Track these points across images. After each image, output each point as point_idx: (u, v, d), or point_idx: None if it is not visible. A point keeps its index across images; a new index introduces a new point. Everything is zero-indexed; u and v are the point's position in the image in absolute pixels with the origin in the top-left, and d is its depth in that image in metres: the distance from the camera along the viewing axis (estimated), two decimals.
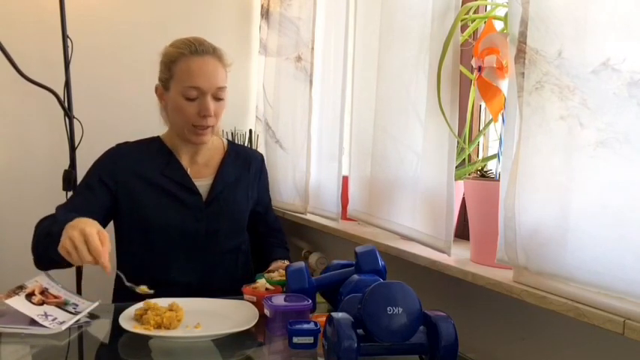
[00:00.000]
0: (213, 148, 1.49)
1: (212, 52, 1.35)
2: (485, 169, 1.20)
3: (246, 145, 2.31)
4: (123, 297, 1.25)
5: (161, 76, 1.38)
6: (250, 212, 1.51)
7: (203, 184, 1.43)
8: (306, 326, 0.98)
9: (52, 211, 2.08)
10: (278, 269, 1.29)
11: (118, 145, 1.45)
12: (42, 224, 1.29)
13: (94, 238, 1.06)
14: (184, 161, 1.44)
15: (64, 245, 1.06)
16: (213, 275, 1.37)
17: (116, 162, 1.40)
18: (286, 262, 1.37)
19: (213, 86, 1.32)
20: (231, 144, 1.56)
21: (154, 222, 1.36)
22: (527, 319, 1.02)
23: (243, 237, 1.48)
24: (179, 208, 1.38)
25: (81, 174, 1.88)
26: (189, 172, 1.43)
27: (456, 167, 1.16)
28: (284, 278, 1.20)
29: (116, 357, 1.02)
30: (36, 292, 1.15)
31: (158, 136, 1.48)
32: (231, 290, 1.26)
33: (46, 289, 1.19)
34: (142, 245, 1.38)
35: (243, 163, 1.51)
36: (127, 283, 1.16)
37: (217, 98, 1.35)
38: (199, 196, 1.41)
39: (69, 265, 1.14)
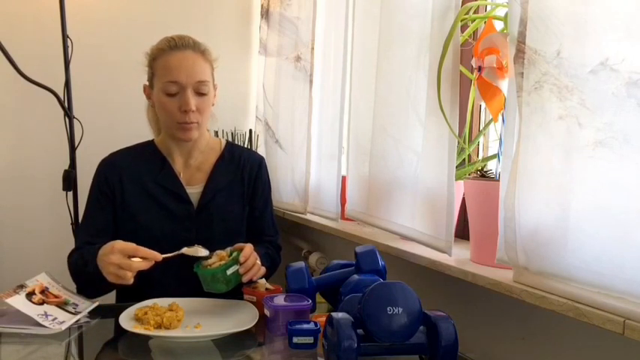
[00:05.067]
0: (208, 150, 1.45)
1: (192, 46, 1.32)
2: (485, 169, 1.20)
3: (246, 145, 2.31)
4: (126, 297, 1.25)
5: (148, 75, 1.38)
6: (247, 217, 1.47)
7: (195, 191, 1.40)
8: (306, 326, 0.98)
9: (52, 211, 2.11)
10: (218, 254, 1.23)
11: (111, 155, 1.44)
12: (73, 262, 1.31)
13: (129, 246, 1.12)
14: (177, 165, 1.42)
15: (110, 272, 1.12)
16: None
17: (109, 171, 1.39)
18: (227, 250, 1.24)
19: (192, 80, 1.29)
20: (230, 145, 1.51)
21: (144, 230, 1.35)
22: (527, 319, 1.02)
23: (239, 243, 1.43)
24: (169, 217, 1.37)
25: (81, 174, 1.90)
26: (181, 177, 1.40)
27: (456, 167, 1.16)
28: (222, 262, 1.18)
29: (116, 357, 1.02)
30: (36, 291, 1.15)
31: (152, 140, 1.46)
32: (230, 293, 1.26)
33: (47, 288, 1.19)
34: None
35: (237, 167, 1.46)
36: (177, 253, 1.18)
37: (199, 93, 1.31)
38: (190, 205, 1.39)
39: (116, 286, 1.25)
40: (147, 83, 1.38)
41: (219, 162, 1.45)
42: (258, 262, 1.22)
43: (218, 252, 1.22)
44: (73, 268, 1.29)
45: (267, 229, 1.49)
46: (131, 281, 1.11)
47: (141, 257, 1.12)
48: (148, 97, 1.39)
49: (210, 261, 1.20)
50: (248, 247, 1.20)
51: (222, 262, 1.18)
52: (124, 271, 1.10)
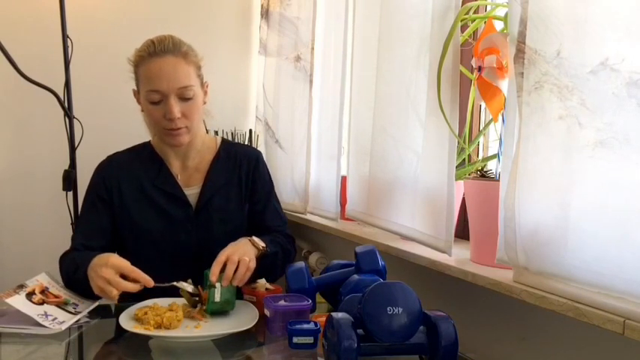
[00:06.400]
0: (203, 150, 1.44)
1: (172, 50, 1.27)
2: (485, 169, 1.20)
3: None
4: (126, 297, 1.24)
5: (134, 80, 1.36)
6: (249, 213, 1.46)
7: (193, 192, 1.40)
8: (306, 326, 0.98)
9: (52, 211, 2.10)
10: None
11: (109, 158, 1.43)
12: (65, 262, 1.29)
13: (124, 265, 1.12)
14: (175, 167, 1.41)
15: (97, 285, 1.11)
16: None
17: (107, 174, 1.39)
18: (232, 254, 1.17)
19: (173, 87, 1.26)
20: (225, 143, 1.50)
21: (144, 234, 1.35)
22: (527, 319, 1.02)
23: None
24: (168, 220, 1.37)
25: (81, 174, 1.89)
26: (179, 179, 1.40)
27: (456, 167, 1.16)
28: (205, 296, 1.12)
29: (116, 357, 1.02)
30: (36, 292, 1.15)
31: (149, 142, 1.46)
32: None
33: (47, 288, 1.19)
34: (136, 256, 1.35)
35: (234, 164, 1.45)
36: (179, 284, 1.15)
37: (184, 98, 1.28)
38: (189, 207, 1.38)
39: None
40: (135, 88, 1.36)
41: (215, 161, 1.44)
42: (240, 261, 1.16)
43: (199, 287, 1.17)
44: (64, 270, 1.28)
45: (271, 221, 1.46)
46: (115, 299, 1.10)
47: (133, 279, 1.11)
48: (138, 102, 1.37)
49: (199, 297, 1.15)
50: (216, 265, 1.15)
51: (204, 295, 1.13)
52: (111, 287, 1.09)
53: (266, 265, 1.28)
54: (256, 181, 1.46)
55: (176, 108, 1.27)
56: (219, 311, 1.13)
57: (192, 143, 1.39)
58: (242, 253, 1.19)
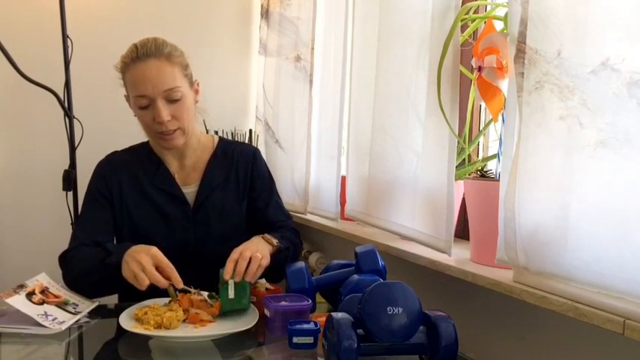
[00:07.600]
0: (200, 149, 1.44)
1: (155, 53, 1.27)
2: (485, 169, 1.20)
3: None
4: (128, 297, 1.25)
5: (124, 87, 1.36)
6: (250, 210, 1.46)
7: (190, 190, 1.40)
8: (306, 326, 0.97)
9: (52, 211, 2.10)
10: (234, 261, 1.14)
11: (108, 157, 1.44)
12: (81, 254, 1.27)
13: (163, 260, 1.14)
14: (172, 166, 1.41)
15: (131, 270, 1.12)
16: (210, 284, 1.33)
17: (107, 173, 1.39)
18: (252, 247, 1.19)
19: (159, 90, 1.25)
20: (222, 142, 1.49)
21: (143, 233, 1.36)
22: (527, 319, 1.02)
23: (239, 240, 1.31)
24: (166, 219, 1.37)
25: (81, 174, 1.89)
26: (177, 178, 1.40)
27: (456, 167, 1.16)
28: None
29: (116, 357, 1.02)
30: (36, 292, 1.15)
31: (147, 142, 1.46)
32: None
33: (47, 288, 1.19)
34: None
35: (232, 162, 1.45)
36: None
37: (171, 100, 1.27)
38: (187, 205, 1.38)
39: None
40: (126, 94, 1.36)
41: (212, 160, 1.44)
42: (252, 258, 1.16)
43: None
44: (80, 261, 1.25)
45: (276, 216, 1.46)
46: (144, 288, 1.11)
47: (166, 275, 1.13)
48: (131, 107, 1.37)
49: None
50: (229, 263, 1.15)
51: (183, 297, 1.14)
52: (144, 275, 1.10)
53: (280, 260, 1.28)
54: (255, 179, 1.46)
55: (164, 111, 1.27)
56: (234, 310, 1.13)
57: (188, 143, 1.39)
58: (254, 249, 1.19)
